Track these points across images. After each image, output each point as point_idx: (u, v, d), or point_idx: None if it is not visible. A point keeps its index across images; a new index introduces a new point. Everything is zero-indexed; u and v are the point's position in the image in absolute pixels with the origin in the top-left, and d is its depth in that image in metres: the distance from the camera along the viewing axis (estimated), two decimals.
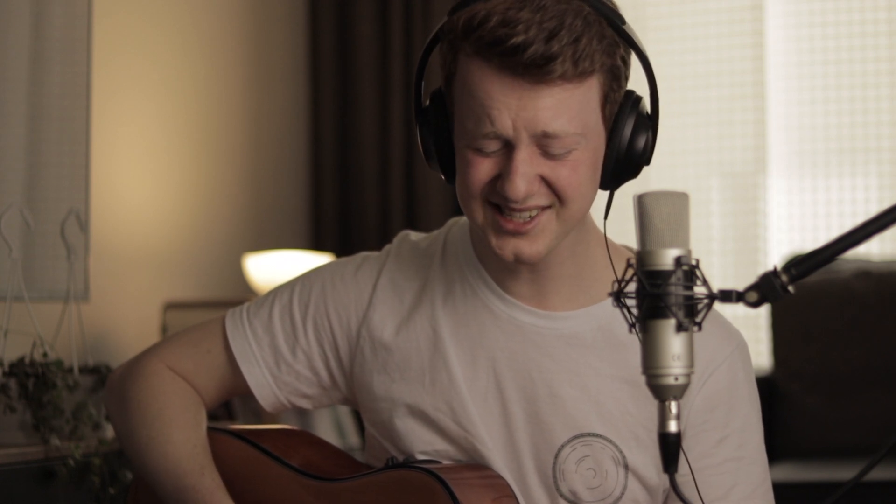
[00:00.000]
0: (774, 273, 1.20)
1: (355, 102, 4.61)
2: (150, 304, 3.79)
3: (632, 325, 1.21)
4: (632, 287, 1.22)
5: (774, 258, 4.37)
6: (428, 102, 1.62)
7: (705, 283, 1.21)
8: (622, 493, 1.64)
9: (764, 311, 4.18)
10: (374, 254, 1.77)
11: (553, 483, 1.64)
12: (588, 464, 1.63)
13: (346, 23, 4.64)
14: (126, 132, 3.75)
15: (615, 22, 1.53)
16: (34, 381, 2.63)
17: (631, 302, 1.21)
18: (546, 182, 1.53)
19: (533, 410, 1.65)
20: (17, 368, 2.64)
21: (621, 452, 1.63)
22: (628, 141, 1.56)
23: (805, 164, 4.44)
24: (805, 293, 3.88)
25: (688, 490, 1.61)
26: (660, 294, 1.19)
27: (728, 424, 1.64)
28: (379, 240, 4.38)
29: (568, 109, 1.51)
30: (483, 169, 1.54)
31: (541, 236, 1.56)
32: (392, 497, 1.63)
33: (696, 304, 1.19)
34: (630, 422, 1.63)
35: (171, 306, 3.79)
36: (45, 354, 2.67)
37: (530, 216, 1.55)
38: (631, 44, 1.55)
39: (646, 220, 1.21)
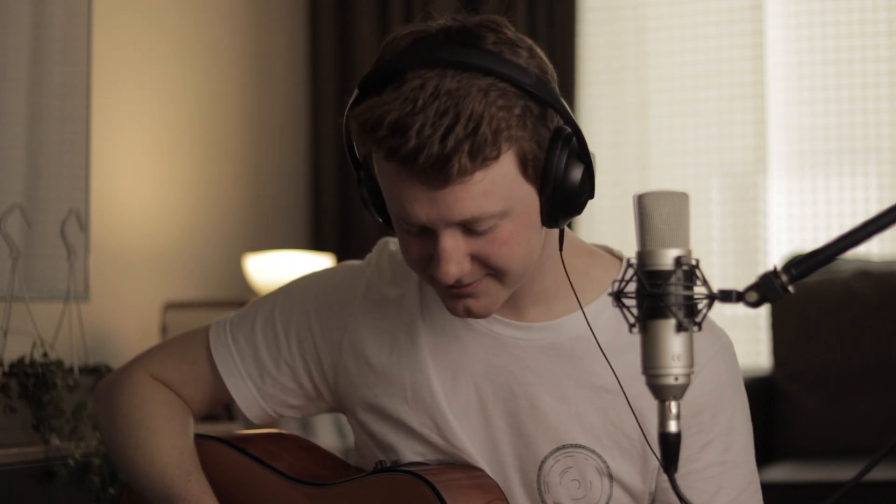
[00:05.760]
0: (774, 273, 1.20)
1: None
2: (150, 304, 3.79)
3: (632, 326, 1.21)
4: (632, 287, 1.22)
5: (774, 258, 4.37)
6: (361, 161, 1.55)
7: (705, 283, 1.21)
8: (607, 503, 1.63)
9: (764, 311, 4.17)
10: (357, 264, 1.75)
11: (538, 495, 1.63)
12: (572, 475, 1.62)
13: (346, 23, 4.64)
14: (126, 132, 3.75)
15: (524, 86, 1.43)
16: (34, 381, 2.63)
17: (629, 302, 1.21)
18: (478, 259, 1.49)
19: (515, 423, 1.63)
20: (17, 368, 2.65)
21: (605, 462, 1.62)
22: (563, 182, 1.48)
23: (805, 164, 4.44)
24: (805, 293, 3.88)
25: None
26: (660, 294, 1.19)
27: (713, 428, 1.61)
28: (378, 240, 4.37)
29: (482, 195, 1.43)
30: (415, 250, 1.51)
31: (486, 296, 1.53)
32: (381, 501, 1.62)
33: (696, 304, 1.19)
34: (612, 431, 1.61)
35: (171, 306, 3.79)
36: (45, 354, 2.67)
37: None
38: (545, 103, 1.45)
39: (646, 220, 1.21)
